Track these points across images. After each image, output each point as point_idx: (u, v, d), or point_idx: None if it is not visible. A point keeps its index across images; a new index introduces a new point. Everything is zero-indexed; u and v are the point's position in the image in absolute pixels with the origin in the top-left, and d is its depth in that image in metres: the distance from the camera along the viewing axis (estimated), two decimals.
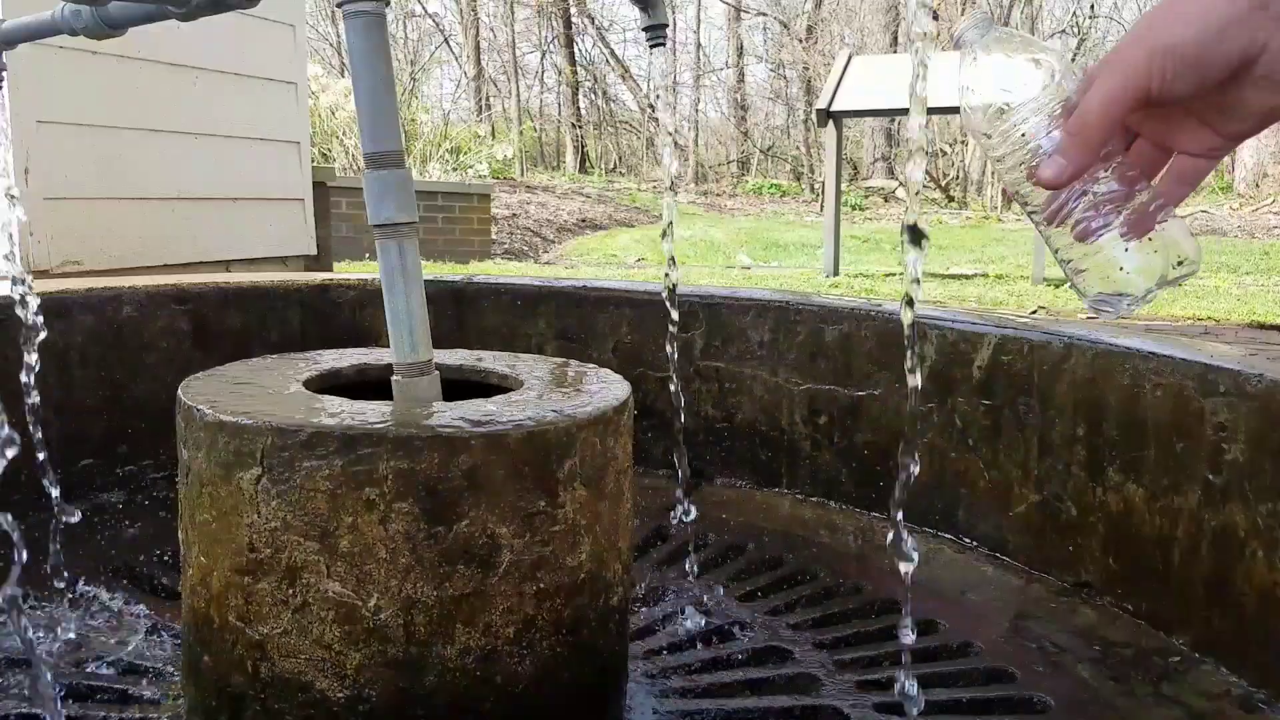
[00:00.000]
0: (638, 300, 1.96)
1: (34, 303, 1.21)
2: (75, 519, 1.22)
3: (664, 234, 1.24)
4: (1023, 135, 0.67)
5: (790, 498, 1.81)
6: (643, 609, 1.33)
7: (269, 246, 3.92)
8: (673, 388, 1.33)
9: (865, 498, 1.73)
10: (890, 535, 0.81)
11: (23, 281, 1.20)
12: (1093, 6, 17.11)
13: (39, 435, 1.21)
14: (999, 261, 7.72)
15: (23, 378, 1.18)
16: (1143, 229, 0.66)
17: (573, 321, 2.01)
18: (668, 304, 1.28)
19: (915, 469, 0.79)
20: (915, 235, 0.72)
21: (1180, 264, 0.66)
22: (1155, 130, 0.67)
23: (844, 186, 7.75)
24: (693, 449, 1.75)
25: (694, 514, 1.37)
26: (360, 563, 0.85)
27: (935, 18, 0.72)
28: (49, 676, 0.98)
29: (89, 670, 1.13)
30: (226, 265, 3.70)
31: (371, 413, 0.90)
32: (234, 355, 1.29)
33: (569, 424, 0.92)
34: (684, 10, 20.74)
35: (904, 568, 0.81)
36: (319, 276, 2.13)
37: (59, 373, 1.21)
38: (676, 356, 1.38)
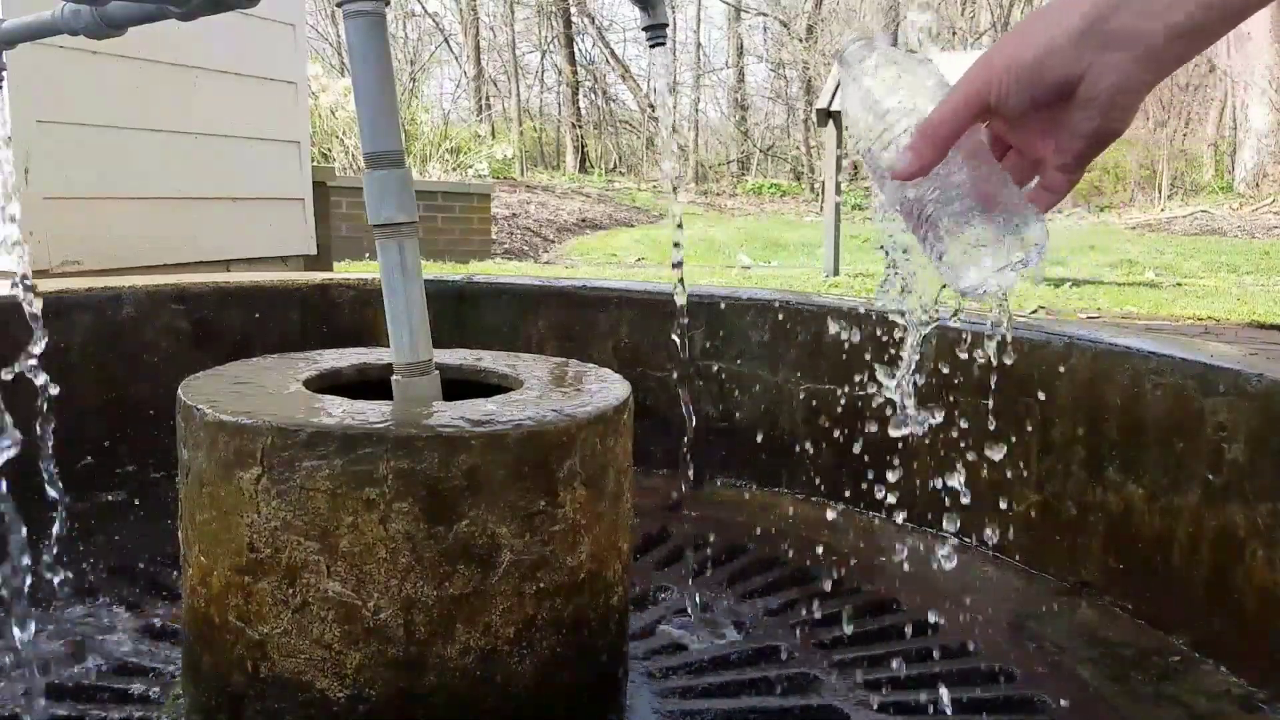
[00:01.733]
0: (638, 300, 1.96)
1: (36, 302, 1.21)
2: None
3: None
4: (885, 130, 0.74)
5: (790, 498, 1.81)
6: (643, 609, 1.33)
7: (269, 246, 3.92)
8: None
9: (865, 498, 1.73)
10: None
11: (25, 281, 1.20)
12: None
13: (39, 433, 1.21)
14: None
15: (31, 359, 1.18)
16: (987, 223, 0.70)
17: (573, 321, 2.01)
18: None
19: None
20: None
21: (1018, 262, 0.70)
22: (1020, 141, 0.73)
23: (844, 186, 7.74)
24: (692, 449, 1.75)
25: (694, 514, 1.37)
26: (360, 562, 0.85)
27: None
28: (40, 677, 0.97)
29: (89, 670, 1.13)
30: (226, 265, 3.70)
31: (371, 412, 0.90)
32: (234, 355, 1.29)
33: (569, 424, 0.92)
34: (684, 10, 20.72)
35: None
36: (319, 276, 2.13)
37: (59, 372, 1.21)
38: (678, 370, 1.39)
